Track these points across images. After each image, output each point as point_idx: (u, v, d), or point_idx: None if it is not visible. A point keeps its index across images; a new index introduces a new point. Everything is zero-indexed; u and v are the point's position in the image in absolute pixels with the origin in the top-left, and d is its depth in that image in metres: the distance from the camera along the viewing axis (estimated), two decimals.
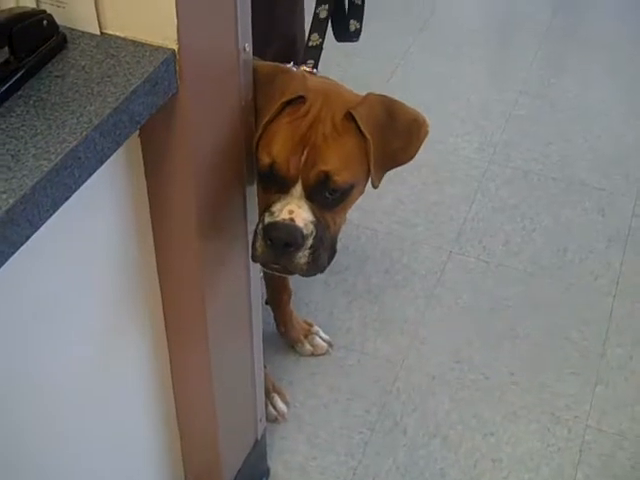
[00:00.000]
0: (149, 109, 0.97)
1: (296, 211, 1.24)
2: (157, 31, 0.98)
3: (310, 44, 1.49)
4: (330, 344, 2.00)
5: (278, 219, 1.24)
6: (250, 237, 1.31)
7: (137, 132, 1.07)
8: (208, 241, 1.20)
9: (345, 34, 1.60)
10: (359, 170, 1.30)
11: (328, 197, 1.27)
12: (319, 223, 1.26)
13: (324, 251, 1.29)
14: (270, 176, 1.26)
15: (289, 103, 1.26)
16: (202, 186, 1.14)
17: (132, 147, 1.08)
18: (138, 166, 1.11)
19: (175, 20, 0.96)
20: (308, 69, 1.45)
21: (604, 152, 2.61)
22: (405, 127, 1.32)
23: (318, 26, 1.52)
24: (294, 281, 1.92)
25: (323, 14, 1.52)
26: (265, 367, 1.68)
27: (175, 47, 0.98)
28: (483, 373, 1.95)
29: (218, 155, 1.16)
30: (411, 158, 1.36)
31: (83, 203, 0.94)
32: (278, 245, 1.24)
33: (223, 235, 1.27)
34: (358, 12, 1.59)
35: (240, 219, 1.30)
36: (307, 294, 2.10)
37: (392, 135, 1.30)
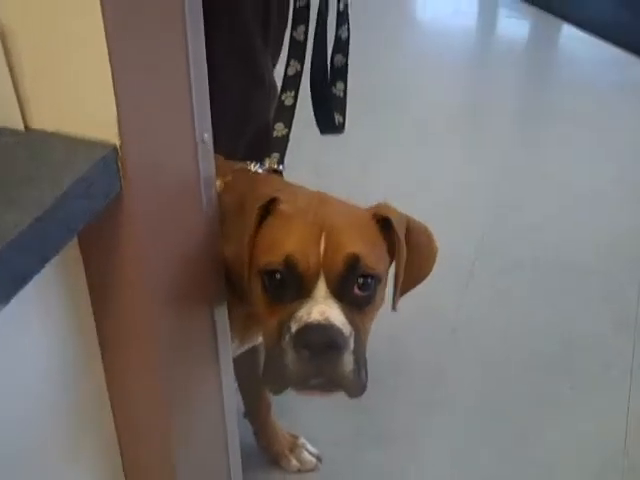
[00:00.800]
0: (86, 214, 0.80)
1: (327, 312, 1.02)
2: (94, 124, 0.82)
3: (275, 134, 1.34)
4: (319, 458, 1.79)
5: (311, 321, 1.01)
6: (223, 357, 1.13)
7: (77, 247, 0.90)
8: (171, 370, 1.02)
9: (330, 127, 1.48)
10: (384, 263, 1.13)
11: (357, 293, 1.07)
12: (353, 326, 1.04)
13: (363, 361, 1.07)
14: (281, 281, 1.05)
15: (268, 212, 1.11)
16: (159, 309, 0.96)
17: (70, 263, 0.91)
18: (79, 286, 0.93)
19: (114, 109, 0.80)
20: (273, 165, 1.30)
21: (598, 235, 2.47)
22: (421, 242, 1.19)
23: (283, 114, 1.38)
24: None
25: (289, 101, 1.40)
26: None
27: (117, 142, 0.82)
28: None
29: (176, 270, 0.99)
30: (425, 278, 1.22)
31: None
32: (318, 351, 1.00)
33: (189, 360, 1.08)
34: (340, 105, 1.48)
35: (209, 340, 1.12)
36: (289, 404, 1.90)
37: (413, 249, 1.15)
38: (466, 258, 2.36)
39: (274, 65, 1.67)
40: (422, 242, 1.19)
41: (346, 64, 1.46)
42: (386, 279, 1.14)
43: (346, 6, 1.43)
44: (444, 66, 3.41)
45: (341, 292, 1.05)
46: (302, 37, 1.38)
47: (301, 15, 1.38)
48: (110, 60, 0.77)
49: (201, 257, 1.03)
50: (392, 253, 1.15)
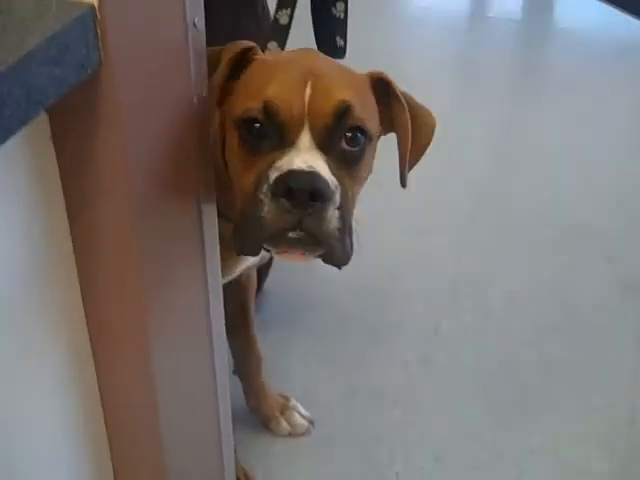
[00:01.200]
0: (57, 86, 0.66)
1: (311, 161, 0.90)
2: None
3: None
4: (311, 421, 1.66)
5: (293, 168, 0.89)
6: (210, 261, 1.00)
7: (48, 125, 0.76)
8: (152, 276, 0.88)
9: (331, 50, 1.35)
10: (375, 123, 1.02)
11: (345, 148, 0.95)
12: (340, 182, 0.92)
13: (348, 227, 0.95)
14: (260, 130, 0.93)
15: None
16: (140, 205, 0.82)
17: (39, 144, 0.77)
18: (50, 174, 0.79)
19: None
20: None
21: (599, 195, 2.36)
22: (422, 111, 1.10)
23: (278, 34, 1.27)
24: (265, 349, 1.60)
25: (284, 20, 1.28)
26: (235, 451, 1.38)
27: (94, 1, 0.68)
28: (497, 452, 1.62)
29: (161, 162, 0.85)
30: (423, 153, 1.12)
31: None
32: (299, 200, 0.88)
33: (173, 267, 0.94)
34: (341, 27, 1.36)
35: (195, 239, 0.98)
36: (281, 363, 1.77)
37: (414, 117, 1.06)
38: (464, 213, 2.24)
39: None
40: (421, 115, 1.10)
41: (344, 45, 1.36)
42: (376, 143, 1.03)
43: None
44: (441, 30, 3.28)
45: (327, 144, 0.93)
46: (286, 20, 1.28)
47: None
48: None
49: (189, 148, 0.90)
50: (383, 123, 1.05)
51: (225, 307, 1.53)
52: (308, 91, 0.93)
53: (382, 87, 1.05)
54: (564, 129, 2.66)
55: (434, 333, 1.87)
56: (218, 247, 1.04)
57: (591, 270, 2.08)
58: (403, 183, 1.08)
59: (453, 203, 2.30)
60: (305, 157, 0.90)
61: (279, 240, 0.92)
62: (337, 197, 0.91)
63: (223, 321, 1.12)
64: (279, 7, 1.28)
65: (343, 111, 0.93)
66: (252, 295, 1.55)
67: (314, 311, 1.92)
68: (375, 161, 1.04)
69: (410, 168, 1.10)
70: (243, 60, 0.99)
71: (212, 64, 0.96)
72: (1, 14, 0.66)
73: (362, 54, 2.95)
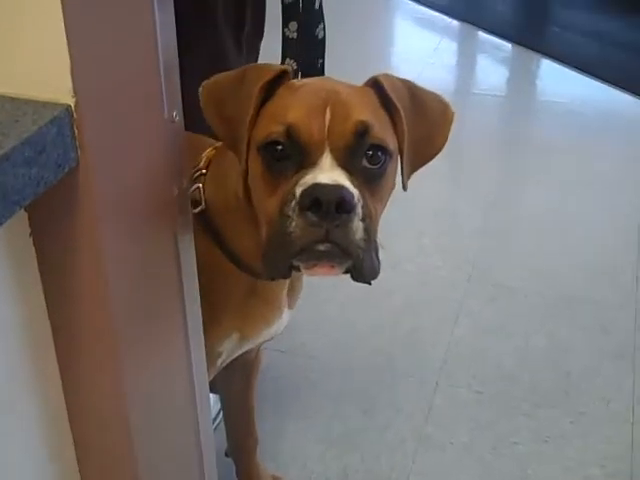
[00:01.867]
0: (33, 186, 0.68)
1: (335, 176, 0.92)
2: (43, 82, 0.71)
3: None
4: None
5: (319, 181, 0.91)
6: (193, 347, 1.00)
7: (27, 223, 0.78)
8: (134, 365, 0.89)
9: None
10: (393, 139, 1.02)
11: (367, 166, 0.97)
12: (363, 197, 0.94)
13: (374, 242, 0.96)
14: (283, 153, 0.95)
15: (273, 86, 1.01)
16: (119, 300, 0.83)
17: (19, 242, 0.78)
18: (29, 265, 0.81)
19: (68, 61, 0.69)
20: None
21: (591, 263, 2.37)
22: (429, 109, 1.07)
23: (290, 49, 1.31)
24: (258, 429, 1.59)
25: (292, 35, 1.32)
26: None
27: (71, 102, 0.71)
28: None
29: (141, 254, 0.87)
30: (440, 149, 1.09)
31: None
32: (325, 212, 0.89)
33: (155, 354, 0.95)
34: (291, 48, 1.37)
35: (179, 330, 0.99)
36: (274, 444, 1.75)
37: (417, 117, 1.04)
38: (456, 288, 2.25)
39: None
40: (431, 107, 1.07)
41: (322, 64, 1.37)
42: (396, 158, 1.03)
43: (321, 5, 1.35)
44: None
45: (349, 164, 0.95)
46: (295, 35, 1.30)
47: (292, 11, 1.30)
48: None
49: (169, 240, 0.91)
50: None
51: (229, 387, 1.53)
52: (328, 114, 0.95)
53: (380, 89, 1.04)
54: (550, 200, 2.69)
55: (428, 409, 1.86)
56: (202, 328, 1.05)
57: (584, 339, 2.08)
58: (404, 186, 1.07)
59: (444, 277, 2.31)
60: (328, 174, 0.92)
61: (308, 254, 0.92)
62: (360, 209, 0.93)
63: (207, 380, 1.11)
64: (285, 23, 1.31)
65: (362, 131, 0.95)
66: (258, 374, 1.54)
67: (307, 390, 1.91)
68: None
69: (414, 169, 1.08)
70: (272, 86, 1.01)
71: (235, 85, 1.00)
72: None
73: None
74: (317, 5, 1.33)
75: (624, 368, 1.99)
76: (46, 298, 0.83)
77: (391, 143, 1.00)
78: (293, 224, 0.91)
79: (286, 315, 1.26)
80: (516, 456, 1.75)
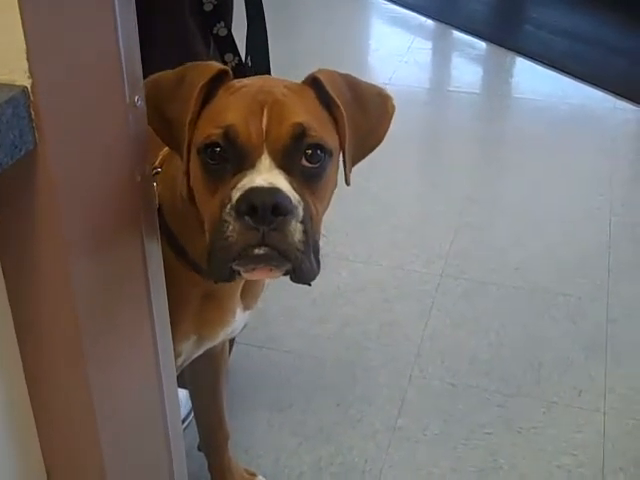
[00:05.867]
0: None
1: (272, 179, 0.92)
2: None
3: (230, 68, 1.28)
4: None
5: (255, 185, 0.91)
6: (159, 332, 1.00)
7: None
8: (95, 354, 0.88)
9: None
10: (332, 137, 1.02)
11: (305, 165, 0.97)
12: (302, 199, 0.94)
13: (314, 244, 0.95)
14: (221, 155, 0.95)
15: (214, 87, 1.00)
16: (83, 294, 0.83)
17: None
18: None
19: (23, 42, 0.68)
20: None
21: (563, 256, 2.39)
22: (370, 102, 1.07)
23: (225, 45, 1.35)
24: (231, 423, 1.58)
25: (223, 32, 1.35)
26: None
27: (27, 83, 0.70)
28: None
29: (101, 239, 0.86)
30: (380, 141, 1.09)
31: None
32: (262, 216, 0.90)
33: (119, 333, 0.95)
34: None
35: (144, 321, 0.99)
36: (246, 438, 1.75)
37: (358, 111, 1.04)
38: (429, 282, 2.26)
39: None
40: (372, 101, 1.08)
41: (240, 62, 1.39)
42: (337, 156, 1.03)
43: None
44: (401, 105, 3.35)
45: (288, 164, 0.95)
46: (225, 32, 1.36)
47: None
48: None
49: (131, 224, 0.91)
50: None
51: (197, 382, 1.53)
52: (265, 116, 0.95)
53: (319, 85, 1.04)
54: (524, 196, 2.71)
55: (401, 401, 1.87)
56: (168, 319, 1.05)
57: (557, 331, 2.10)
58: (346, 180, 1.06)
59: (418, 272, 2.32)
60: (266, 176, 0.92)
61: (246, 258, 0.92)
62: (300, 211, 0.93)
63: (174, 372, 1.11)
64: (215, 22, 1.35)
65: (299, 133, 0.96)
66: (225, 369, 1.54)
67: (280, 384, 1.91)
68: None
69: (354, 162, 1.07)
70: (212, 86, 1.01)
71: (174, 86, 0.99)
72: None
73: None
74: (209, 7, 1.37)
75: (596, 359, 2.00)
76: (6, 282, 0.82)
77: (330, 141, 1.00)
78: (230, 228, 0.91)
79: (241, 316, 1.26)
80: (489, 446, 1.76)
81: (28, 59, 0.69)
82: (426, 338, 2.07)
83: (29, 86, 0.70)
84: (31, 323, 0.85)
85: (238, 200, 0.90)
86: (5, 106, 0.68)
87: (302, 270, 0.94)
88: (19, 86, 0.70)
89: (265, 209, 0.89)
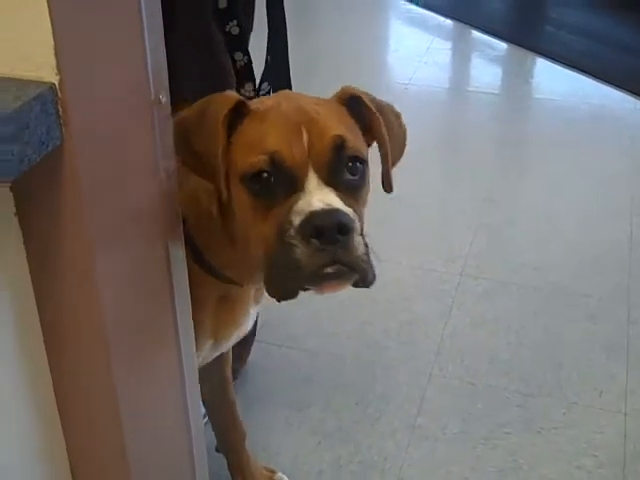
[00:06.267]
0: (17, 163, 0.69)
1: (327, 198, 0.95)
2: (27, 60, 0.71)
3: (238, 66, 1.33)
4: None
5: (314, 209, 0.94)
6: (182, 331, 1.01)
7: (12, 202, 0.79)
8: (120, 353, 0.89)
9: None
10: (365, 148, 1.07)
11: (349, 178, 1.00)
12: (354, 210, 0.98)
13: (367, 247, 0.98)
14: (269, 181, 0.97)
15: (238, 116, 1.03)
16: (104, 274, 0.84)
17: (4, 221, 0.79)
18: (15, 244, 0.81)
19: (52, 39, 0.69)
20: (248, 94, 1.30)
21: (583, 256, 2.38)
22: (389, 116, 1.13)
23: (236, 44, 1.36)
24: (250, 422, 1.59)
25: (235, 31, 1.36)
26: None
27: (55, 80, 0.71)
28: None
29: (126, 233, 0.87)
30: (402, 153, 1.18)
31: None
32: (328, 237, 0.93)
33: (145, 346, 0.95)
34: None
35: (168, 322, 0.99)
36: (265, 436, 1.76)
37: (387, 126, 1.09)
38: (449, 282, 2.26)
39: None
40: (392, 120, 1.14)
41: (269, 92, 1.39)
42: (368, 164, 1.06)
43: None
44: (420, 105, 3.36)
45: (333, 180, 0.98)
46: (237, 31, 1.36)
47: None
48: None
49: (156, 220, 0.92)
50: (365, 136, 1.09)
51: (206, 384, 1.54)
52: (305, 134, 0.98)
53: (353, 102, 1.08)
54: (544, 196, 2.70)
55: (420, 400, 1.87)
56: (190, 312, 1.05)
57: (577, 331, 2.09)
58: (390, 188, 1.13)
59: (438, 272, 2.31)
60: (319, 196, 0.95)
61: (318, 278, 0.95)
62: (357, 225, 0.96)
63: (196, 371, 1.11)
64: (228, 20, 1.35)
65: (340, 145, 0.99)
66: (230, 366, 1.55)
67: (299, 382, 1.91)
68: None
69: (394, 161, 1.14)
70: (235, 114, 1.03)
71: (197, 120, 1.01)
72: None
73: None
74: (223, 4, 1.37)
75: (617, 359, 1.99)
76: (32, 278, 0.83)
77: (365, 152, 1.05)
78: (298, 251, 0.93)
79: (253, 311, 1.28)
80: (508, 446, 1.75)
81: (56, 55, 0.70)
82: (446, 337, 2.07)
83: (57, 83, 0.71)
84: (56, 322, 0.86)
85: (302, 225, 0.93)
86: (33, 103, 0.69)
87: (367, 277, 0.98)
88: (47, 83, 0.71)
89: (331, 230, 0.92)
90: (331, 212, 0.93)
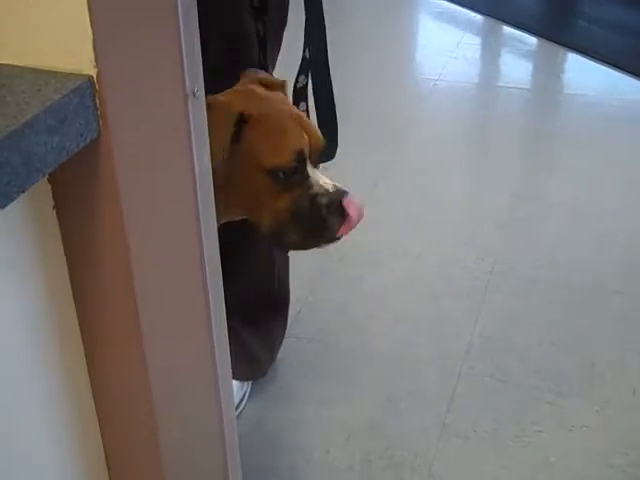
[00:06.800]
0: (55, 154, 0.69)
1: (329, 180, 1.28)
2: (66, 53, 0.72)
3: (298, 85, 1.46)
4: None
5: (330, 188, 1.26)
6: (214, 311, 1.02)
7: (50, 195, 0.79)
8: (155, 348, 0.89)
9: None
10: None
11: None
12: None
13: None
14: (295, 170, 1.24)
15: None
16: (140, 268, 0.84)
17: (42, 213, 0.79)
18: (53, 236, 0.82)
19: (90, 32, 0.70)
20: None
21: (614, 253, 2.35)
22: None
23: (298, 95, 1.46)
24: (280, 415, 1.59)
25: (301, 83, 1.46)
26: None
27: (93, 72, 0.72)
28: None
29: (161, 227, 0.88)
30: None
31: None
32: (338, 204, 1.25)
33: (177, 334, 0.96)
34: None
35: (201, 317, 1.00)
36: (296, 432, 1.76)
37: None
38: (479, 279, 2.24)
39: (273, 64, 1.58)
40: None
41: (306, 85, 1.46)
42: None
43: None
44: (450, 100, 3.34)
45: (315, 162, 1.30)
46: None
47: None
48: None
49: (190, 215, 0.92)
50: None
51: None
52: (305, 135, 1.26)
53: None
54: (576, 193, 2.66)
55: (451, 397, 1.86)
56: (223, 303, 1.05)
57: (609, 330, 2.06)
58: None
59: (468, 269, 2.30)
60: (324, 179, 1.27)
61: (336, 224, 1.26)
62: None
63: (229, 360, 1.11)
64: (299, 73, 1.45)
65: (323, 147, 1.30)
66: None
67: (329, 377, 1.91)
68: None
69: None
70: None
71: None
72: (3, 87, 0.70)
73: (372, 124, 3.03)
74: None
75: None
76: (70, 271, 0.84)
77: None
78: (331, 219, 1.25)
79: None
80: (540, 444, 1.74)
81: (94, 48, 0.70)
82: (476, 335, 2.05)
83: (95, 75, 0.71)
84: (92, 312, 0.86)
85: (329, 204, 1.25)
86: (72, 95, 0.70)
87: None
88: (85, 75, 0.71)
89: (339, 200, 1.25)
90: (339, 188, 1.26)
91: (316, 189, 1.25)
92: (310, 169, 1.26)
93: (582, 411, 1.82)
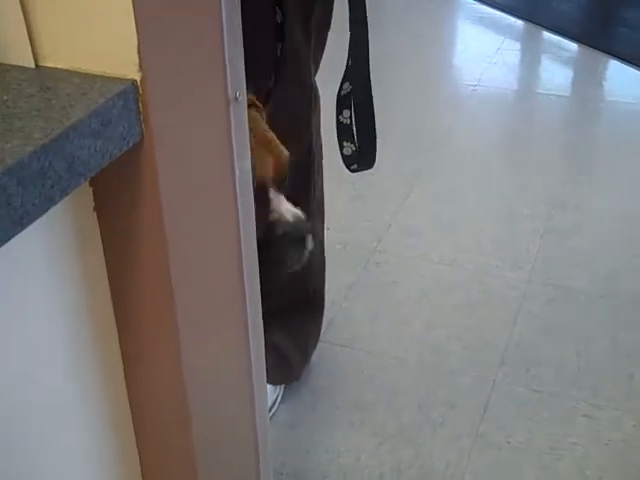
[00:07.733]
0: (98, 158, 0.70)
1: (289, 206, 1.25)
2: (111, 57, 0.72)
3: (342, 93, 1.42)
4: None
5: (291, 220, 1.22)
6: (251, 315, 1.02)
7: (91, 198, 0.79)
8: (190, 348, 0.89)
9: (345, 158, 1.49)
10: None
11: None
12: None
13: None
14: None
15: None
16: (179, 273, 0.84)
17: (83, 216, 0.80)
18: (93, 239, 0.82)
19: (135, 37, 0.70)
20: None
21: None
22: None
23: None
24: (312, 420, 1.59)
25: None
26: None
27: (137, 76, 0.72)
28: None
29: (201, 232, 0.88)
30: None
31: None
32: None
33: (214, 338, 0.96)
34: (347, 132, 1.47)
35: (238, 310, 1.00)
36: (328, 437, 1.75)
37: None
38: (516, 288, 2.22)
39: (316, 67, 1.57)
40: None
41: (351, 92, 1.42)
42: None
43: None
44: (489, 107, 3.32)
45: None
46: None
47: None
48: None
49: (230, 220, 0.92)
50: None
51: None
52: (272, 159, 1.22)
53: None
54: (616, 202, 2.63)
55: (484, 407, 1.84)
56: (260, 307, 1.05)
57: None
58: None
59: (504, 277, 2.28)
60: (285, 204, 1.23)
61: None
62: None
63: (264, 361, 1.11)
64: (343, 140, 1.46)
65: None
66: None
67: (362, 383, 1.91)
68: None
69: None
70: None
71: None
72: (48, 90, 0.70)
73: (410, 130, 3.02)
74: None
75: None
76: (109, 274, 0.84)
77: None
78: (288, 250, 1.23)
79: None
80: (574, 457, 1.71)
81: (139, 53, 0.70)
82: (511, 344, 2.03)
83: (139, 80, 0.72)
84: (131, 314, 0.86)
85: (284, 233, 1.20)
86: (116, 99, 0.70)
87: None
88: (129, 79, 0.71)
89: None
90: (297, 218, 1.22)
91: (275, 216, 1.20)
92: (273, 194, 1.21)
93: (619, 425, 1.79)
